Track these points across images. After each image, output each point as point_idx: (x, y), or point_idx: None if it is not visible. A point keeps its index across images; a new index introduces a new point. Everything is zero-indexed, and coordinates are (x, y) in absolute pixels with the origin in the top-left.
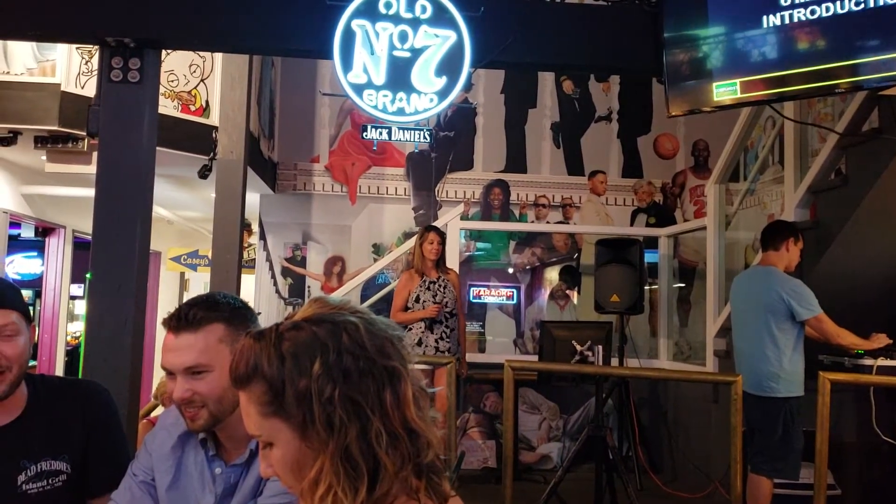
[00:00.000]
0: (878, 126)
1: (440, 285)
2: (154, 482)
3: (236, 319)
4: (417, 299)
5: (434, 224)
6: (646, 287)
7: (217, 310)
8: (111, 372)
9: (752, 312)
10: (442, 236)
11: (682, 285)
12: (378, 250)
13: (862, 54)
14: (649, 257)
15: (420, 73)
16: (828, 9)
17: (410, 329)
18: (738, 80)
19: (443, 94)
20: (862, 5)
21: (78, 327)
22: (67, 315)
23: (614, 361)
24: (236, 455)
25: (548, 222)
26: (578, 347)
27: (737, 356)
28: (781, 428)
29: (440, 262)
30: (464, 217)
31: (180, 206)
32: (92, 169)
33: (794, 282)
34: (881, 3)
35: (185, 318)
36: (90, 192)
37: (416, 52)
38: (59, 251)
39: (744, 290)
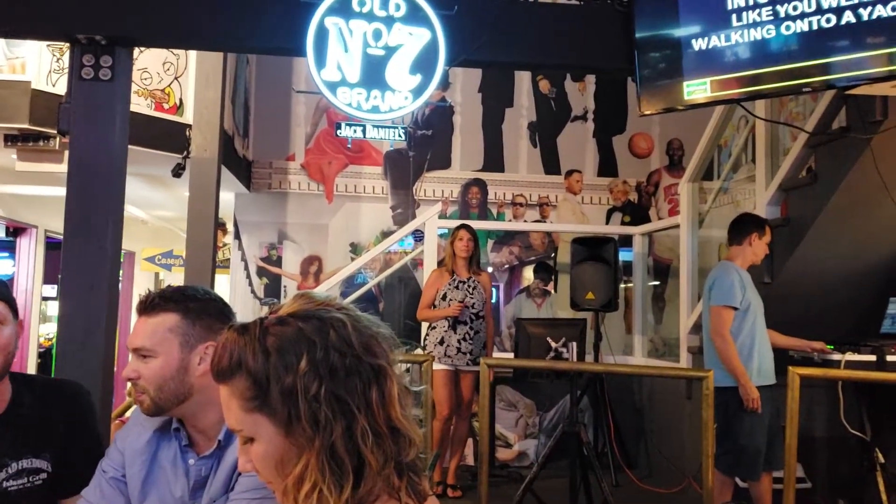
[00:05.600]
0: (847, 124)
1: (470, 286)
2: (124, 479)
3: (194, 314)
4: (444, 297)
5: (413, 223)
6: (621, 285)
7: (177, 300)
8: (83, 373)
9: (704, 305)
10: (474, 234)
11: (657, 283)
12: (355, 249)
13: (832, 54)
14: (624, 255)
15: (394, 70)
16: (795, 8)
17: (434, 327)
18: (709, 79)
19: (417, 92)
20: (831, 5)
21: (51, 329)
22: (40, 316)
23: (589, 358)
24: (206, 447)
25: (525, 221)
26: (553, 344)
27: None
28: (721, 418)
29: (472, 261)
30: (442, 216)
31: (154, 205)
32: (64, 167)
33: (727, 272)
34: (850, 2)
35: (146, 302)
36: (62, 192)
37: (391, 50)
38: (30, 251)
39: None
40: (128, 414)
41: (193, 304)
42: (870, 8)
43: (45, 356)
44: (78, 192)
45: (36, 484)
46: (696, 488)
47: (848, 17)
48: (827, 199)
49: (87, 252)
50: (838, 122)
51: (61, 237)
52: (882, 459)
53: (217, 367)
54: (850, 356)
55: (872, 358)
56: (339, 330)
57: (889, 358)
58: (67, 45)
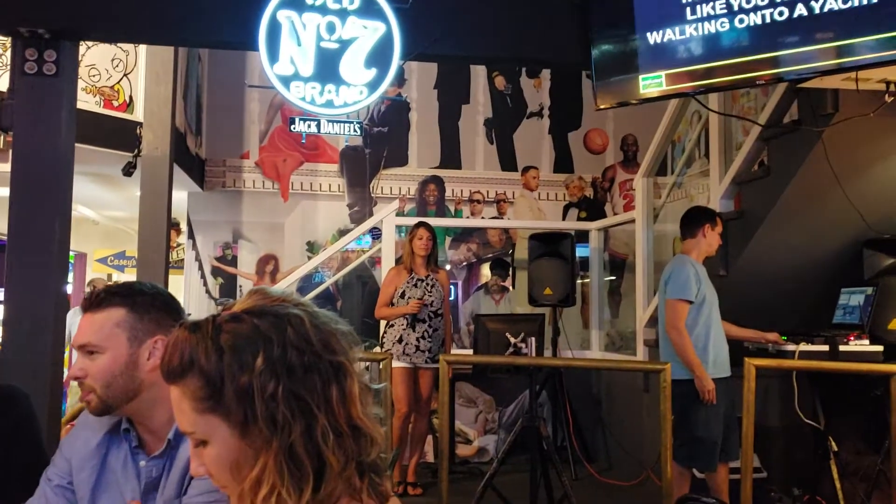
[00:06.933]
0: (798, 118)
1: (428, 283)
2: (71, 486)
3: (141, 307)
4: (403, 295)
5: (370, 221)
6: (578, 280)
7: (123, 295)
8: (30, 377)
9: (660, 299)
10: (432, 232)
11: (613, 278)
12: (312, 248)
13: (782, 48)
14: (581, 251)
15: (349, 64)
16: (749, 0)
17: (392, 325)
18: (663, 73)
19: (372, 86)
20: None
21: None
22: None
23: (547, 353)
24: (157, 448)
25: (482, 218)
26: (512, 340)
27: None
28: (677, 411)
29: (430, 259)
30: (399, 213)
31: (105, 205)
32: (8, 167)
33: (683, 266)
34: None
35: (92, 298)
36: (7, 191)
37: (345, 44)
38: None
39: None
40: None
41: (140, 298)
42: (821, 0)
43: None
44: (22, 192)
45: None
46: (656, 480)
47: (800, 9)
48: (780, 192)
49: (32, 253)
50: (790, 116)
51: (6, 238)
52: (835, 448)
53: (167, 367)
54: (803, 347)
55: (825, 348)
56: (296, 326)
57: (841, 348)
58: (9, 38)
